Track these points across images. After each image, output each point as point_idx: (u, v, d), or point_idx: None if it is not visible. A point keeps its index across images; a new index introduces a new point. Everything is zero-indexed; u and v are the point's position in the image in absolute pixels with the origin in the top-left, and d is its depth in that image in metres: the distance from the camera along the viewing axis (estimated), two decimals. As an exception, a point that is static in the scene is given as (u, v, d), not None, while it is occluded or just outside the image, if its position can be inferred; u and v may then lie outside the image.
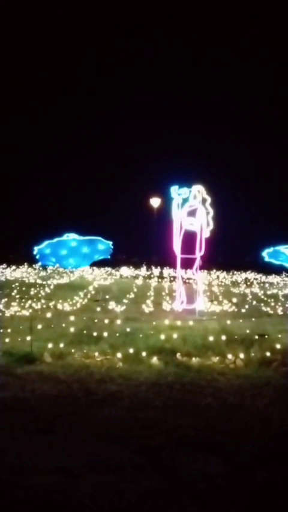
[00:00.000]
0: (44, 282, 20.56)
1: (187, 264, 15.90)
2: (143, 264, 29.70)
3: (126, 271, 27.94)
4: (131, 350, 8.85)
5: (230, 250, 36.48)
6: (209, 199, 15.22)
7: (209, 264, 22.48)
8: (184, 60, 54.17)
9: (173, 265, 18.72)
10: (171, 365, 8.41)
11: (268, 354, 8.86)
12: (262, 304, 16.77)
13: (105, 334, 9.92)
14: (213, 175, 32.95)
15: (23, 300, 15.25)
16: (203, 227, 15.11)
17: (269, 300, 17.59)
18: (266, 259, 35.87)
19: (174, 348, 9.11)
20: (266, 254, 36.05)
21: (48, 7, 52.99)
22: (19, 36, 51.09)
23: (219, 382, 7.57)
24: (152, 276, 25.38)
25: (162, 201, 35.35)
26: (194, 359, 8.74)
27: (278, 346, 9.23)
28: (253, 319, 13.17)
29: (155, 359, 8.55)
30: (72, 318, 11.78)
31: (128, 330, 10.50)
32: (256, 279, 26.30)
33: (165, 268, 26.13)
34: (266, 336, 9.83)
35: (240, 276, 26.87)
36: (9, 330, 10.16)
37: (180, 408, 6.33)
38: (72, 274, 25.18)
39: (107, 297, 17.17)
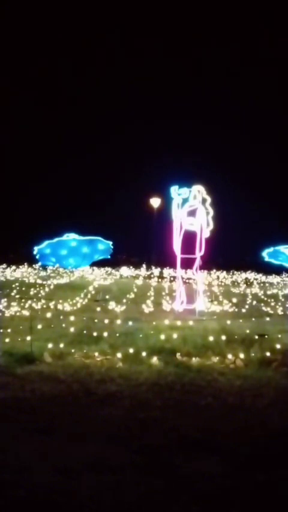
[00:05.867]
0: (44, 282, 20.56)
1: (187, 264, 15.90)
2: (143, 264, 29.69)
3: (126, 271, 27.92)
4: (131, 350, 8.85)
5: (230, 250, 36.44)
6: (209, 199, 15.22)
7: (209, 264, 22.47)
8: (184, 60, 54.16)
9: (173, 265, 18.71)
10: (171, 365, 8.41)
11: (268, 354, 8.87)
12: (262, 304, 16.77)
13: (105, 334, 9.93)
14: (213, 175, 32.96)
15: (23, 300, 15.24)
16: (203, 227, 15.10)
17: (269, 300, 17.60)
18: (266, 259, 35.85)
19: (174, 348, 9.11)
20: (266, 254, 36.03)
21: (49, 7, 53.01)
22: (20, 37, 51.10)
23: (219, 382, 7.57)
24: (152, 276, 25.36)
25: (162, 201, 35.32)
26: (194, 359, 8.75)
27: (278, 346, 9.23)
28: (253, 319, 13.17)
29: (155, 359, 8.55)
30: (72, 318, 11.78)
31: (128, 330, 10.50)
32: (256, 279, 26.29)
33: (165, 268, 26.12)
34: (266, 336, 9.82)
35: (240, 276, 26.86)
36: (9, 330, 10.16)
37: (180, 409, 6.34)
38: (72, 274, 25.17)
39: (107, 297, 17.17)
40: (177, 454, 4.94)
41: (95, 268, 29.55)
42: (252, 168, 49.42)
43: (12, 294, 16.87)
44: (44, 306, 14.48)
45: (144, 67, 52.13)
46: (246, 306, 15.91)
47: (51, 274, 24.68)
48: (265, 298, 18.14)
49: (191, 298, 15.10)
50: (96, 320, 11.86)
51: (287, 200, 46.16)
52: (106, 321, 11.48)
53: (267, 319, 13.38)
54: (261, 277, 27.01)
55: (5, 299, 15.14)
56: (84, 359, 8.57)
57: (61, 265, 30.24)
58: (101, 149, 51.10)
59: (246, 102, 54.74)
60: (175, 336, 9.86)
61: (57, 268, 28.04)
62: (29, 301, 14.93)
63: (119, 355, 8.67)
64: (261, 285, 23.63)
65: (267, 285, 23.82)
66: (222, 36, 51.65)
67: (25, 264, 27.99)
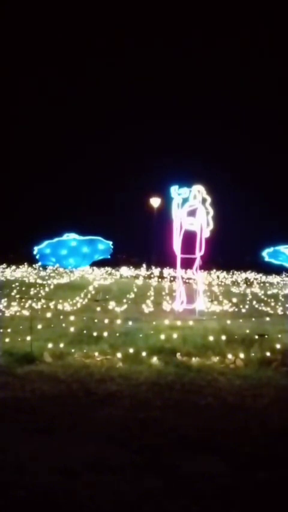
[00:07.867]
0: (44, 282, 20.55)
1: (187, 264, 15.90)
2: (143, 264, 29.68)
3: (126, 271, 27.92)
4: (131, 350, 8.85)
5: (230, 250, 36.43)
6: (209, 199, 15.22)
7: (209, 264, 22.47)
8: (184, 60, 54.17)
9: (173, 265, 18.71)
10: (171, 365, 8.41)
11: (268, 354, 8.87)
12: (262, 304, 16.77)
13: (105, 334, 9.93)
14: (213, 175, 32.90)
15: (23, 300, 15.24)
16: (203, 227, 15.10)
17: (269, 300, 17.60)
18: (266, 259, 35.85)
19: (174, 348, 9.11)
20: (266, 254, 36.03)
21: (49, 7, 53.02)
22: (20, 37, 51.11)
23: (219, 382, 7.57)
24: (152, 276, 25.37)
25: (162, 201, 35.30)
26: (194, 359, 8.74)
27: (278, 346, 9.23)
28: (253, 319, 13.18)
29: (155, 359, 8.55)
30: (72, 318, 11.79)
31: (128, 330, 10.50)
32: (256, 279, 26.30)
33: (165, 268, 26.12)
34: (266, 336, 9.83)
35: (240, 276, 26.87)
36: (9, 330, 10.17)
37: (180, 408, 6.33)
38: (72, 274, 25.17)
39: (107, 297, 17.17)
40: (177, 454, 4.94)
41: (95, 268, 29.56)
42: (252, 168, 49.44)
43: (12, 294, 16.87)
44: (44, 306, 14.49)
45: (144, 67, 52.15)
46: (246, 306, 15.92)
47: (51, 274, 24.68)
48: (265, 298, 18.15)
49: (191, 298, 15.10)
50: (96, 320, 11.87)
51: (287, 200, 46.18)
52: (106, 321, 11.49)
53: (267, 319, 13.38)
54: (261, 277, 27.03)
55: (5, 299, 15.15)
56: (84, 359, 8.57)
57: (61, 265, 30.25)
58: (101, 149, 51.12)
59: (246, 102, 54.73)
60: (175, 336, 9.86)
61: (57, 268, 28.04)
62: (29, 301, 14.93)
63: (119, 355, 8.67)
64: (261, 285, 23.64)
65: (267, 285, 23.82)
66: (222, 37, 51.68)
67: (25, 264, 28.00)
